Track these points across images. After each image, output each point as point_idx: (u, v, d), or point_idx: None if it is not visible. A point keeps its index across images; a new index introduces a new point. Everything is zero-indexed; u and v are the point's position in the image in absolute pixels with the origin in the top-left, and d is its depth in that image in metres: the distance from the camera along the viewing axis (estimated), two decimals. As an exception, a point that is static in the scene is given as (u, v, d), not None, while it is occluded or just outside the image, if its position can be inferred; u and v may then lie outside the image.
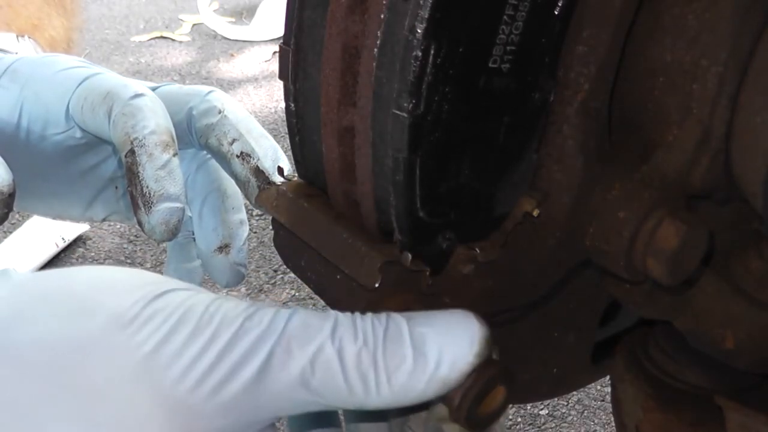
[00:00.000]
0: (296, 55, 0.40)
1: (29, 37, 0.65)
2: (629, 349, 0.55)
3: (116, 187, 0.61)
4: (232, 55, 3.07)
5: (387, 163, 0.37)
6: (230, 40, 3.19)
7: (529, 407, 1.46)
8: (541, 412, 1.46)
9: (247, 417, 0.34)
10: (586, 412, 1.46)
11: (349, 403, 0.34)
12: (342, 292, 0.40)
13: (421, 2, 0.33)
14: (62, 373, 0.32)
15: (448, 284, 0.39)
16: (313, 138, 0.41)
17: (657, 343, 0.54)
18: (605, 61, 0.38)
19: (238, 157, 0.56)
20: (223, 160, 0.57)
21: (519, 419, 1.44)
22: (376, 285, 0.37)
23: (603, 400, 1.47)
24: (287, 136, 0.44)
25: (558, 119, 0.39)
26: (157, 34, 3.25)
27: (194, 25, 3.32)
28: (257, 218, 1.98)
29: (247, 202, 0.58)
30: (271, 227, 0.46)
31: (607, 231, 0.40)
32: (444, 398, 0.36)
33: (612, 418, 0.59)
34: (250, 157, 0.56)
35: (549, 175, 0.40)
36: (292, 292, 1.78)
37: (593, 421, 1.44)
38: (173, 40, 3.23)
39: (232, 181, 0.59)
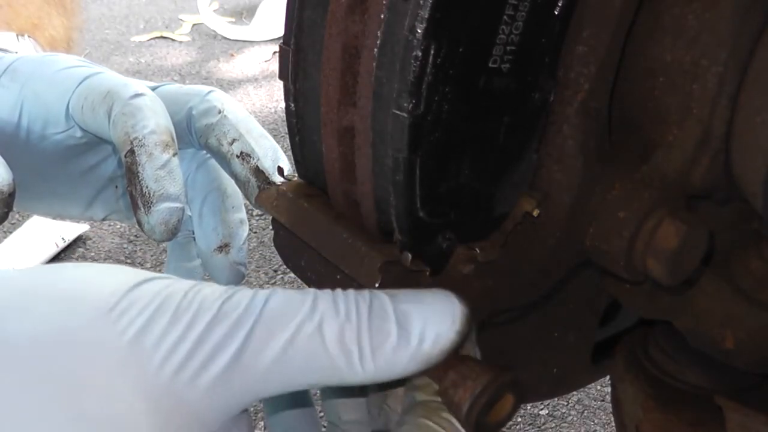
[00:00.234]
0: (296, 55, 0.40)
1: (29, 37, 0.65)
2: (629, 349, 0.55)
3: (116, 187, 0.61)
4: (232, 55, 3.07)
5: (387, 163, 0.37)
6: (230, 40, 3.19)
7: (529, 407, 1.46)
8: (541, 412, 1.46)
9: (229, 399, 0.34)
10: (586, 412, 1.46)
11: (332, 379, 0.34)
12: (342, 292, 0.39)
13: (421, 2, 0.33)
14: (47, 364, 0.32)
15: (448, 284, 0.39)
16: (313, 138, 0.41)
17: (657, 343, 0.54)
18: (605, 61, 0.38)
19: (237, 157, 0.56)
20: (223, 160, 0.57)
21: (519, 419, 1.44)
22: (377, 285, 0.37)
23: (603, 400, 1.47)
24: (287, 136, 0.44)
25: (558, 119, 0.39)
26: (157, 34, 3.25)
27: (194, 25, 3.33)
28: (257, 218, 1.98)
29: (247, 202, 0.58)
30: (271, 227, 0.46)
31: (607, 231, 0.40)
32: (452, 406, 0.36)
33: (612, 418, 0.59)
34: (250, 157, 0.56)
35: (549, 175, 0.40)
36: (292, 292, 1.78)
37: (593, 421, 1.44)
38: (173, 40, 3.23)
39: (232, 181, 0.59)
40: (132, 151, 0.50)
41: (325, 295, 0.35)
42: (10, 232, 1.92)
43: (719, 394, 0.50)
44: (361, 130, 0.38)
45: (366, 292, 0.35)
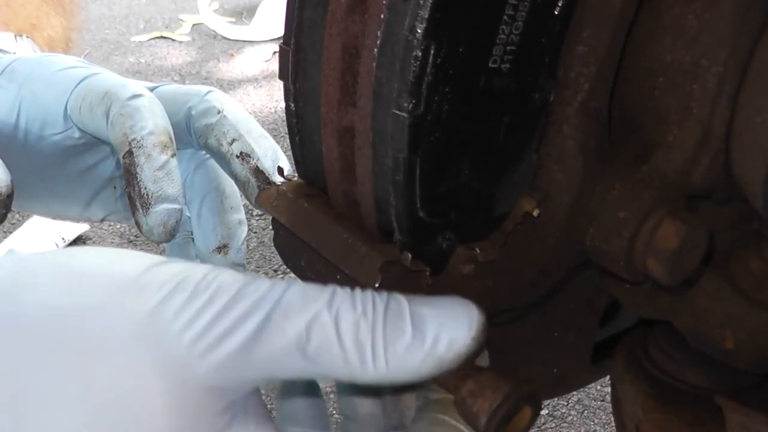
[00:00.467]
0: (296, 55, 0.40)
1: (27, 37, 0.65)
2: (629, 349, 0.55)
3: (114, 188, 0.61)
4: (232, 55, 3.07)
5: (387, 163, 0.37)
6: (230, 40, 3.19)
7: (528, 407, 1.46)
8: (541, 412, 1.46)
9: (240, 377, 0.34)
10: (586, 412, 1.46)
11: (344, 373, 0.34)
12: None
13: (421, 2, 0.33)
14: (61, 335, 0.33)
15: (448, 284, 0.39)
16: (313, 138, 0.41)
17: (657, 343, 0.54)
18: (605, 61, 0.38)
19: (237, 157, 0.56)
20: (223, 160, 0.57)
21: (519, 419, 1.44)
22: (377, 285, 0.37)
23: (603, 400, 1.47)
24: (287, 136, 0.43)
25: (558, 119, 0.39)
26: (157, 34, 3.25)
27: (194, 25, 3.32)
28: (257, 218, 1.98)
29: (247, 202, 0.58)
30: (271, 227, 0.46)
31: (607, 231, 0.40)
32: (469, 415, 0.36)
33: (612, 418, 0.59)
34: (250, 157, 0.56)
35: (549, 175, 0.40)
36: (292, 292, 1.78)
37: (593, 421, 1.44)
38: (173, 40, 3.22)
39: (231, 181, 0.59)
40: (130, 153, 0.50)
41: (344, 291, 0.35)
42: (10, 232, 1.92)
43: (719, 394, 0.50)
44: (361, 130, 0.38)
45: (384, 293, 0.35)
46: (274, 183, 0.51)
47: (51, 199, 0.61)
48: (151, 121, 0.51)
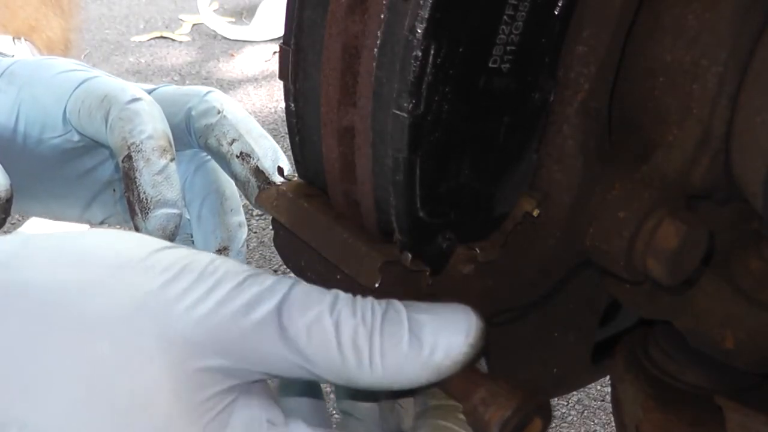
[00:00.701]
0: (296, 55, 0.40)
1: (26, 40, 0.65)
2: (629, 349, 0.55)
3: (114, 190, 0.61)
4: (232, 55, 3.07)
5: (387, 163, 0.37)
6: (230, 40, 3.19)
7: (529, 407, 1.46)
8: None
9: (239, 364, 0.34)
10: (586, 412, 1.46)
11: (341, 376, 0.35)
12: (342, 293, 0.39)
13: (421, 2, 0.33)
14: (61, 308, 0.33)
15: (448, 284, 0.39)
16: (313, 138, 0.41)
17: (657, 343, 0.54)
18: (605, 61, 0.38)
19: (237, 157, 0.56)
20: (223, 160, 0.57)
21: (519, 419, 1.44)
22: (376, 285, 0.37)
23: (603, 400, 1.47)
24: (287, 136, 0.44)
25: (558, 119, 0.39)
26: (157, 34, 3.25)
27: (194, 25, 3.32)
28: (257, 218, 1.98)
29: (247, 203, 0.58)
30: (271, 227, 0.46)
31: (607, 231, 0.40)
32: (480, 423, 0.35)
33: (612, 418, 0.59)
34: (250, 157, 0.56)
35: (549, 175, 0.40)
36: (292, 292, 1.78)
37: (593, 421, 1.44)
38: (173, 40, 3.22)
39: (231, 183, 0.59)
40: (129, 157, 0.50)
41: (346, 296, 0.35)
42: (10, 233, 1.92)
43: (719, 394, 0.50)
44: (361, 130, 0.38)
45: (383, 301, 0.36)
46: (274, 183, 0.51)
47: (50, 202, 0.61)
48: (150, 125, 0.51)
